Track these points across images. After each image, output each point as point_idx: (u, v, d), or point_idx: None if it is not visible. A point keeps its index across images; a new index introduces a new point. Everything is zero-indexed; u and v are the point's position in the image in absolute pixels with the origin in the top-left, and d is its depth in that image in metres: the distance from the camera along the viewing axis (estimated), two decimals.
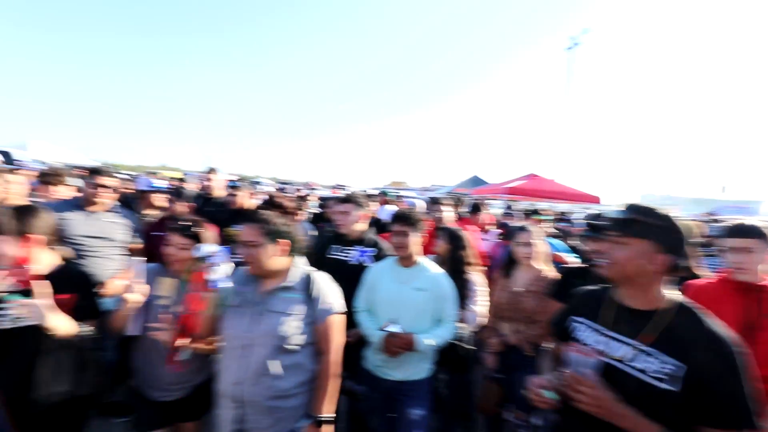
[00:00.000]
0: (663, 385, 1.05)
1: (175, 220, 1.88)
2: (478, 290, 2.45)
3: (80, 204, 2.61)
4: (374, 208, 4.53)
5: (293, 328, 1.51)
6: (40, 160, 11.58)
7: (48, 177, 2.80)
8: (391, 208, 4.56)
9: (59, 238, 1.78)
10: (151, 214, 3.33)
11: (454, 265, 2.46)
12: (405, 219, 2.03)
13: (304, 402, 1.56)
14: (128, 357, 1.88)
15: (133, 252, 2.78)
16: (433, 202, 3.51)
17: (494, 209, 7.43)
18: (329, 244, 2.53)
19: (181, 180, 4.62)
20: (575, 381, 1.08)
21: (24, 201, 2.85)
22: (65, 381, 1.61)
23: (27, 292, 1.47)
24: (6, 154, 9.70)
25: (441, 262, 2.43)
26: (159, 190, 3.52)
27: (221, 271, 1.49)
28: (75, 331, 1.57)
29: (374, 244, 2.58)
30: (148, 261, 2.83)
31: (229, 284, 1.63)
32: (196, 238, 1.81)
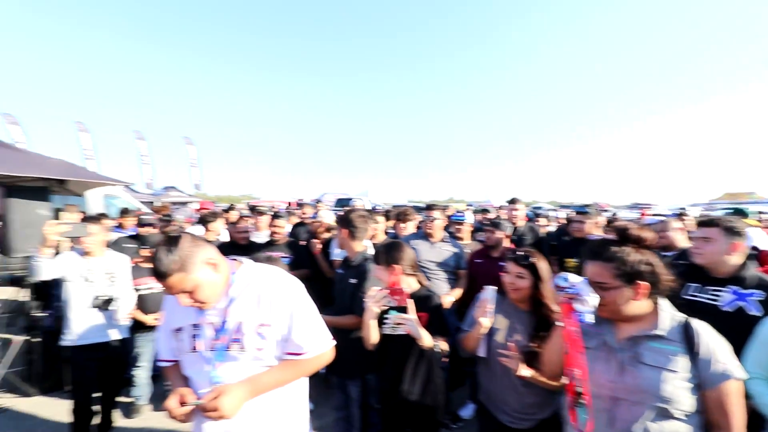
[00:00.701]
0: None
1: (512, 250, 1.98)
2: None
3: (424, 235, 3.29)
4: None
5: (677, 388, 1.22)
6: (376, 203, 15.97)
7: (401, 215, 3.72)
8: (760, 234, 3.23)
9: (416, 266, 2.20)
10: (464, 244, 3.74)
11: None
12: None
13: None
14: (461, 369, 2.10)
15: (460, 277, 3.23)
16: None
17: None
18: (684, 281, 2.01)
19: (485, 211, 5.05)
20: None
21: (383, 236, 3.88)
22: (418, 386, 1.96)
23: (402, 309, 1.88)
24: (363, 201, 14.06)
25: None
26: (463, 221, 3.97)
27: (588, 305, 1.37)
28: (431, 345, 1.89)
29: (760, 285, 1.85)
30: (469, 287, 3.23)
31: (593, 320, 1.49)
32: (533, 269, 1.84)
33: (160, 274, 1.18)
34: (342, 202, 14.80)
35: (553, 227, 7.49)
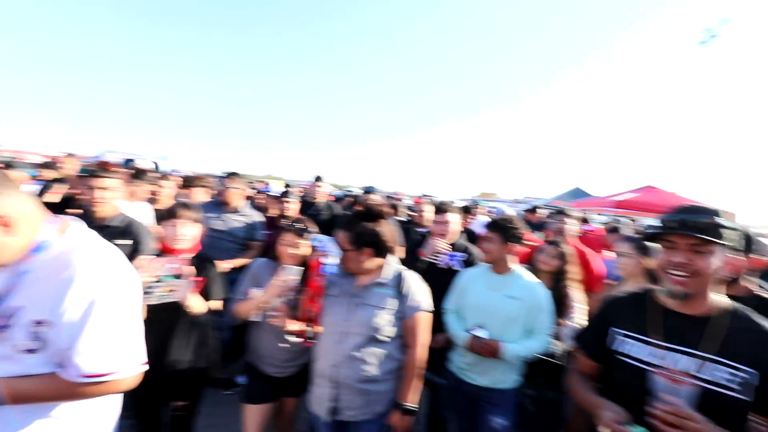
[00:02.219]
0: (734, 394, 1.02)
1: (289, 220, 2.12)
2: (577, 307, 2.30)
3: (218, 204, 3.13)
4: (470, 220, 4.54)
5: (385, 321, 1.63)
6: (177, 169, 13.97)
7: (192, 181, 3.41)
8: (484, 219, 4.49)
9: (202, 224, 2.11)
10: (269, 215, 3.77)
11: (555, 278, 2.36)
12: (496, 226, 2.05)
13: (392, 389, 1.67)
14: (241, 338, 2.14)
15: (250, 247, 3.21)
16: (558, 213, 3.24)
17: (597, 224, 6.80)
18: (418, 246, 2.63)
19: (288, 186, 5.22)
20: (674, 415, 0.97)
21: (172, 201, 3.49)
22: (190, 352, 1.93)
23: (178, 276, 1.81)
24: (155, 164, 12.03)
25: (541, 274, 2.34)
26: (271, 195, 4.05)
27: (332, 259, 1.69)
28: (204, 310, 1.89)
29: (464, 250, 2.60)
30: (264, 256, 3.26)
31: (337, 271, 1.81)
32: (306, 236, 2.04)
33: None
34: (129, 163, 12.24)
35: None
